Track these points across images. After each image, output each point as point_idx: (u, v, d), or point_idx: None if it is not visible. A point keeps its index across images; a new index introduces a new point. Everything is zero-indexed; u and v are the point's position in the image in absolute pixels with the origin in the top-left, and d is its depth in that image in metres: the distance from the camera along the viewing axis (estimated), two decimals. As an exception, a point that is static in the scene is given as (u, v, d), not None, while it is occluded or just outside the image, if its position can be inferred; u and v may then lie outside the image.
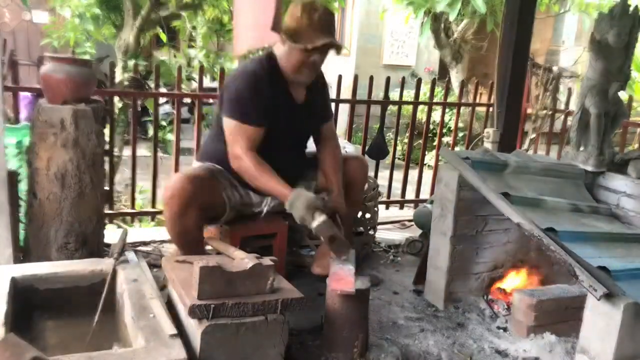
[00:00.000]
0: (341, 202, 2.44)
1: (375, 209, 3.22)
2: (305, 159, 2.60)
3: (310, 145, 2.63)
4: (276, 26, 2.27)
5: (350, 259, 2.18)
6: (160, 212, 3.38)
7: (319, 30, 2.21)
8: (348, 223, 2.64)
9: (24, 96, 3.44)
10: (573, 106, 3.61)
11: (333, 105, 3.81)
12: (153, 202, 3.52)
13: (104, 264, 2.11)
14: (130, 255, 2.21)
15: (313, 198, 2.16)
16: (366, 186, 3.05)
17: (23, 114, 3.14)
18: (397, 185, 4.25)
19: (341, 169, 2.55)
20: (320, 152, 2.57)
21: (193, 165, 2.53)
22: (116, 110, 3.94)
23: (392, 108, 4.90)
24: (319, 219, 2.13)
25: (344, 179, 2.54)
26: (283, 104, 2.37)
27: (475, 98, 4.90)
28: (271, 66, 2.33)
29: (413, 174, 4.34)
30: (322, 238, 2.18)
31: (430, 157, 6.76)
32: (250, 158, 2.24)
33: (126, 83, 3.45)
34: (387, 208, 4.15)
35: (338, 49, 2.31)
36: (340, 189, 2.49)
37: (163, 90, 3.76)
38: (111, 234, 2.85)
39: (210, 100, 4.61)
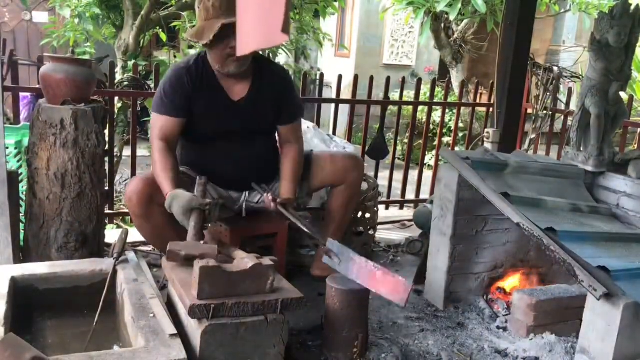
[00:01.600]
0: (288, 196, 2.36)
1: (375, 209, 3.22)
2: (276, 154, 2.54)
3: (308, 145, 2.62)
4: (285, 27, 2.26)
5: (341, 252, 2.07)
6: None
7: (215, 16, 2.15)
8: (344, 221, 2.63)
9: (24, 96, 3.44)
10: (573, 106, 3.61)
11: (333, 105, 3.83)
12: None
13: (104, 264, 2.12)
14: (130, 255, 2.21)
15: (189, 199, 2.03)
16: (366, 186, 3.05)
17: (23, 114, 3.14)
18: (397, 186, 4.25)
19: (300, 170, 2.48)
20: (281, 157, 2.50)
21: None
22: (116, 110, 3.93)
23: (392, 108, 4.90)
24: (192, 222, 2.02)
25: (338, 178, 2.55)
26: (216, 101, 2.34)
27: (475, 98, 4.90)
28: (199, 62, 2.32)
29: (413, 174, 4.34)
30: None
31: (430, 157, 6.76)
32: (158, 148, 2.24)
33: (125, 83, 3.43)
34: (387, 208, 4.15)
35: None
36: (290, 183, 2.41)
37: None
38: (111, 234, 2.85)
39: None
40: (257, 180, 2.47)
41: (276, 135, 2.55)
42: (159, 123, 2.29)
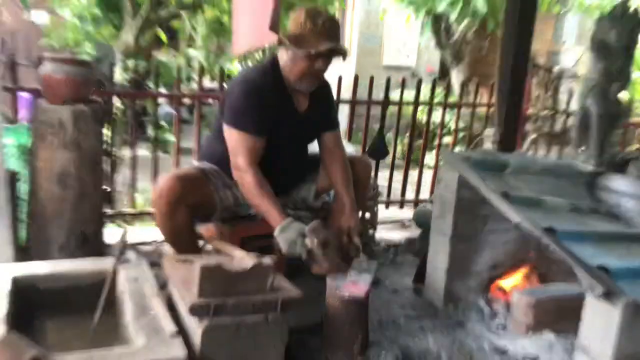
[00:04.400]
0: (356, 218, 2.39)
1: (375, 209, 3.23)
2: (306, 164, 2.57)
3: (311, 147, 2.63)
4: (274, 26, 2.26)
5: (371, 270, 2.15)
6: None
7: (323, 35, 2.17)
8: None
9: (24, 96, 3.44)
10: (573, 106, 3.61)
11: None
12: (153, 202, 3.52)
13: (105, 264, 2.11)
14: (130, 254, 2.21)
15: (304, 227, 2.09)
16: (366, 186, 3.05)
17: (22, 114, 3.14)
18: (397, 186, 4.25)
19: (351, 181, 2.47)
20: (327, 165, 2.49)
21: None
22: (116, 111, 3.94)
23: (392, 108, 4.90)
24: (310, 237, 2.05)
25: None
26: (286, 113, 2.34)
27: (475, 98, 4.90)
28: (275, 74, 2.30)
29: (413, 174, 4.34)
30: (314, 251, 2.08)
31: (430, 158, 6.75)
32: (252, 174, 2.19)
33: (126, 83, 3.44)
34: (387, 208, 4.15)
35: (344, 55, 2.27)
36: (353, 206, 2.40)
37: (163, 90, 3.76)
38: (111, 234, 2.86)
39: (210, 101, 4.61)
40: (290, 184, 2.49)
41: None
42: (247, 144, 2.21)
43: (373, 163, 3.96)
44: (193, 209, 2.25)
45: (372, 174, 3.60)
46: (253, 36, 2.51)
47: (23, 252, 2.43)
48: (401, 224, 3.85)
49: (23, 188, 2.51)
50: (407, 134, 5.44)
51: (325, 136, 2.50)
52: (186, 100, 5.24)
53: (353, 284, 2.02)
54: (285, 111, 2.33)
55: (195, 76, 4.26)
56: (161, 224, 2.24)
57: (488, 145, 3.79)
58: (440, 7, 4.95)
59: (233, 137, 2.24)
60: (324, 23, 2.18)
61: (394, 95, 4.16)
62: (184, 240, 2.29)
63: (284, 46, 2.24)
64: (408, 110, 6.95)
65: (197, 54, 5.22)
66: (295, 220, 2.11)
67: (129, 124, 4.15)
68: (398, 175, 4.23)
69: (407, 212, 4.14)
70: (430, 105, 4.20)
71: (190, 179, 2.25)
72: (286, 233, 2.08)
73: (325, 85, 2.52)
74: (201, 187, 2.29)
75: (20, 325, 1.81)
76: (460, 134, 6.08)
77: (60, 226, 2.33)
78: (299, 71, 2.24)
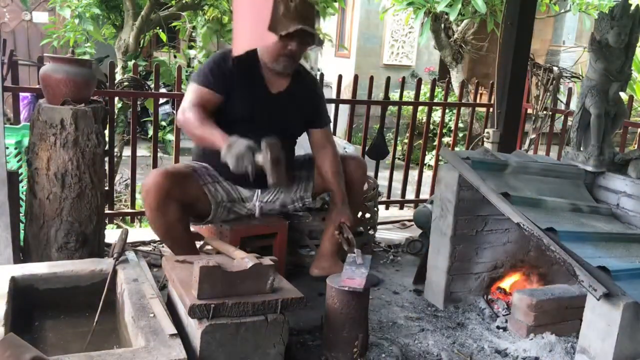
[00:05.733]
0: (347, 213, 2.44)
1: (375, 209, 3.23)
2: (293, 157, 2.58)
3: (306, 147, 2.63)
4: (273, 26, 2.27)
5: (366, 264, 2.16)
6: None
7: (294, 18, 2.21)
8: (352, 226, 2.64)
9: (24, 96, 3.44)
10: (573, 106, 3.61)
11: (333, 105, 3.82)
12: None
13: (104, 264, 2.12)
14: (130, 255, 2.21)
15: (251, 142, 2.06)
16: (366, 186, 3.05)
17: (23, 114, 3.14)
18: (397, 185, 4.25)
19: (342, 176, 2.53)
20: (319, 162, 2.54)
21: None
22: (116, 111, 3.94)
23: (392, 108, 4.90)
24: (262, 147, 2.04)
25: None
26: (256, 91, 2.38)
27: (475, 98, 4.91)
28: (250, 52, 2.38)
29: (413, 174, 4.34)
30: (266, 164, 2.04)
31: (430, 157, 6.76)
32: (195, 111, 2.22)
33: (125, 83, 3.44)
34: (387, 208, 4.15)
35: (316, 39, 2.32)
36: (344, 199, 2.48)
37: (163, 90, 3.76)
38: (111, 234, 2.86)
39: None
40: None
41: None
42: (198, 92, 2.29)
43: (373, 163, 3.97)
44: (185, 206, 2.26)
45: (372, 174, 3.61)
46: (253, 35, 2.52)
47: (23, 252, 2.43)
48: (401, 224, 3.85)
49: (23, 188, 2.51)
50: (407, 134, 5.43)
51: (315, 133, 2.56)
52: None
53: (350, 279, 2.02)
54: (254, 88, 2.38)
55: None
56: (152, 220, 2.26)
57: (488, 145, 3.79)
58: (440, 7, 4.94)
59: (189, 89, 2.34)
60: (295, 6, 2.22)
61: (394, 95, 4.16)
62: (177, 238, 2.30)
63: None
64: (408, 110, 6.97)
65: (197, 54, 5.21)
66: (240, 139, 2.07)
67: (128, 124, 4.15)
68: (398, 175, 4.23)
69: (407, 212, 4.14)
70: (430, 105, 4.20)
71: (176, 174, 2.27)
72: (234, 149, 2.03)
73: (312, 81, 2.58)
74: (188, 181, 2.31)
75: (20, 325, 1.81)
76: (460, 134, 6.09)
77: (59, 226, 2.33)
78: (273, 52, 2.31)
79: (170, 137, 4.85)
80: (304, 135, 2.60)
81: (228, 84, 2.33)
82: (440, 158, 4.07)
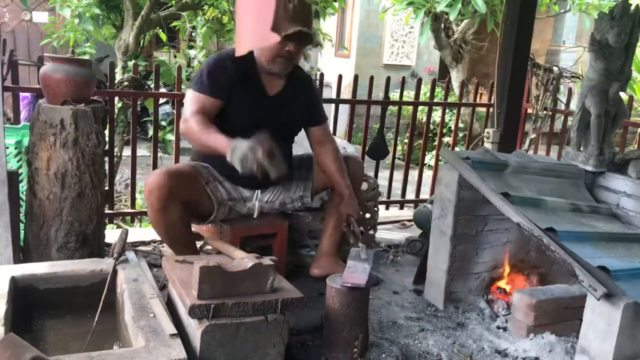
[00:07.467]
0: (355, 206, 2.44)
1: (375, 209, 3.23)
2: (291, 156, 2.58)
3: (306, 146, 2.63)
4: (276, 26, 2.27)
5: (369, 259, 2.16)
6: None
7: (292, 19, 2.20)
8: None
9: (24, 96, 3.43)
10: (573, 106, 3.61)
11: (333, 105, 3.83)
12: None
13: (104, 264, 2.12)
14: (130, 255, 2.21)
15: (251, 142, 2.05)
16: (366, 186, 3.06)
17: (23, 114, 3.14)
18: (397, 185, 4.25)
19: (345, 170, 2.54)
20: (320, 158, 2.56)
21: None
22: (116, 111, 3.93)
23: (392, 108, 4.90)
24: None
25: None
26: (252, 92, 2.38)
27: (475, 98, 4.90)
28: (247, 54, 2.33)
29: (413, 174, 4.34)
30: (263, 160, 2.02)
31: (430, 157, 6.76)
32: (197, 119, 2.23)
33: (125, 83, 3.43)
34: (387, 208, 4.15)
35: (312, 39, 2.32)
36: (351, 192, 2.49)
37: (163, 90, 3.75)
38: (111, 234, 2.85)
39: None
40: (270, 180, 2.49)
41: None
42: (198, 100, 2.29)
43: (373, 163, 3.97)
44: (188, 206, 2.27)
45: (372, 174, 3.61)
46: (256, 36, 2.53)
47: (23, 252, 2.43)
48: (401, 224, 3.85)
49: (23, 188, 2.51)
50: (407, 134, 5.43)
51: (314, 130, 2.57)
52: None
53: (352, 274, 2.02)
54: (252, 90, 2.37)
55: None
56: (154, 220, 2.27)
57: (488, 145, 3.79)
58: (440, 7, 4.93)
59: (188, 97, 2.33)
60: (293, 7, 2.21)
61: (394, 95, 4.15)
62: (179, 238, 2.30)
63: None
64: (408, 110, 6.97)
65: (197, 54, 5.21)
66: (243, 140, 2.07)
67: (128, 124, 4.15)
68: (398, 175, 4.23)
69: (407, 212, 4.14)
70: (430, 105, 4.20)
71: (178, 174, 2.28)
72: (237, 151, 2.04)
73: (307, 79, 2.58)
74: (190, 180, 2.32)
75: (20, 325, 1.81)
76: (460, 134, 6.09)
77: (59, 226, 2.33)
78: (269, 53, 2.30)
79: (170, 137, 4.84)
80: (303, 135, 2.61)
81: (226, 88, 2.33)
82: (440, 158, 4.06)
